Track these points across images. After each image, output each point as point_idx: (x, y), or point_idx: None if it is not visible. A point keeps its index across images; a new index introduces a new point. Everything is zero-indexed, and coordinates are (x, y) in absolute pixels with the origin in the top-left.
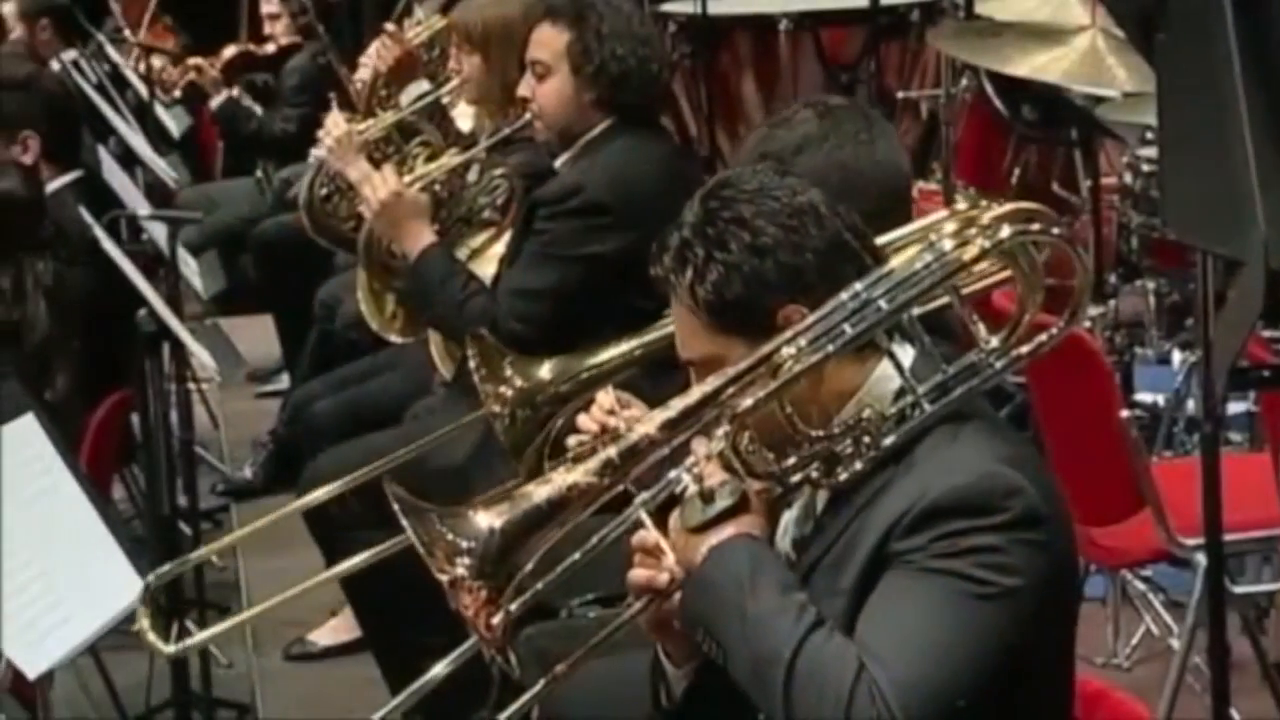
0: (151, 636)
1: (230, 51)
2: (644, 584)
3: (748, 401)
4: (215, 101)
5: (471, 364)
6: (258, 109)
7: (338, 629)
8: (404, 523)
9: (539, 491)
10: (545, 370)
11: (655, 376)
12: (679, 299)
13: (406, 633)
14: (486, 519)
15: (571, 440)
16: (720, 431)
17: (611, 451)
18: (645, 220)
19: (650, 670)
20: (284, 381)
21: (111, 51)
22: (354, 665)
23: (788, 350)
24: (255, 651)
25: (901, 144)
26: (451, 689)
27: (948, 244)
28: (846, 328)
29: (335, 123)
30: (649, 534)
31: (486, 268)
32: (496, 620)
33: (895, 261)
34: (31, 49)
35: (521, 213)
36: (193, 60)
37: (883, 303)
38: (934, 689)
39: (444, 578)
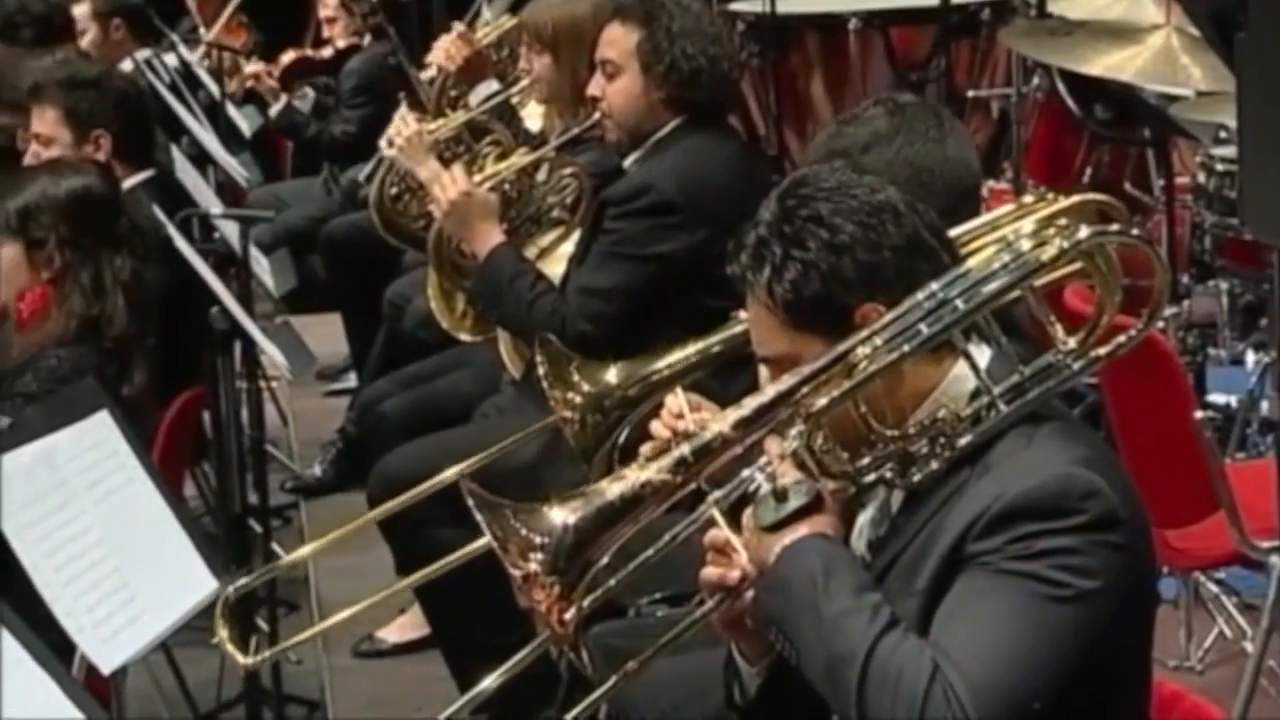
0: (230, 648)
1: (288, 58)
2: (716, 582)
3: (823, 401)
4: (274, 109)
5: (540, 371)
6: (308, 97)
7: (406, 626)
8: (478, 518)
9: (612, 488)
10: (612, 375)
11: (725, 375)
12: (755, 297)
13: (474, 630)
14: (561, 515)
15: (645, 448)
16: (794, 430)
17: (685, 449)
18: (714, 219)
19: (724, 667)
20: (352, 380)
21: (183, 50)
22: (422, 663)
23: (863, 350)
24: (325, 649)
25: (971, 142)
26: (519, 687)
27: (1025, 244)
28: (923, 327)
29: (406, 122)
30: (720, 532)
31: (555, 267)
32: (569, 616)
33: (972, 261)
34: (103, 50)
35: (590, 212)
36: (250, 68)
37: (959, 302)
38: (1009, 691)
39: (517, 573)
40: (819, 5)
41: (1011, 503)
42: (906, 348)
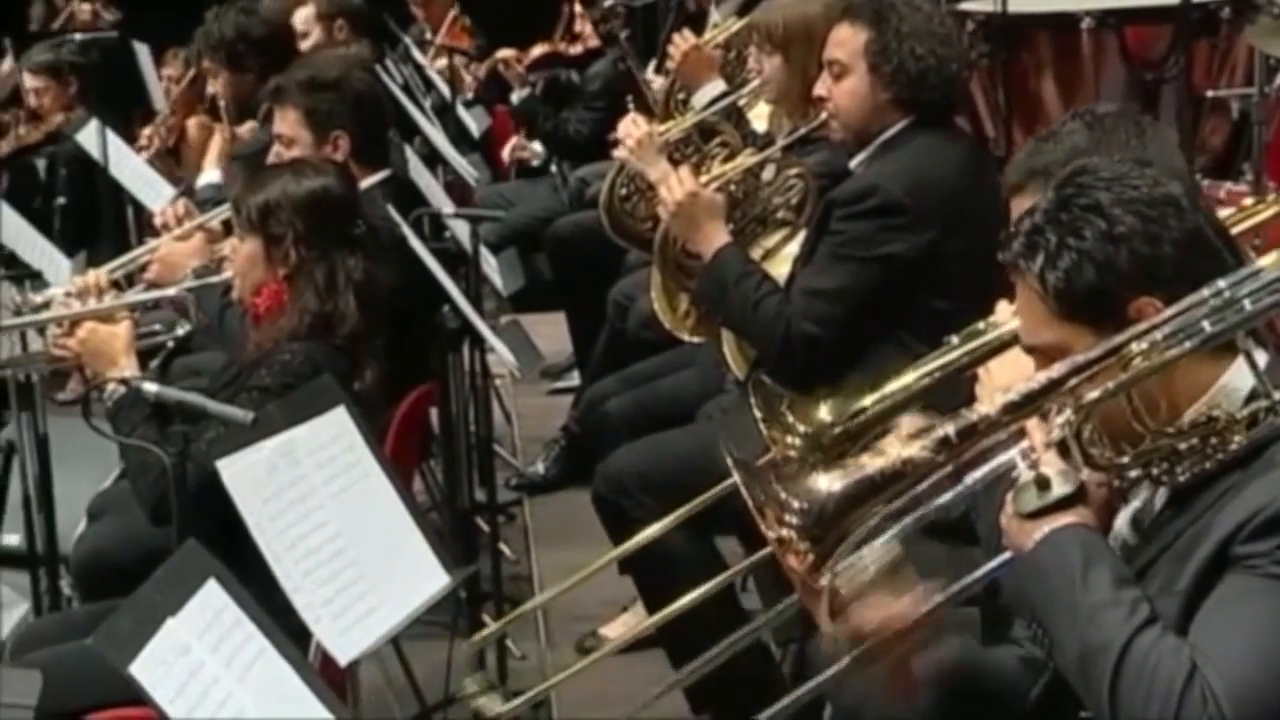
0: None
1: (539, 50)
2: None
3: (1095, 393)
4: (516, 96)
5: (756, 413)
6: (539, 84)
7: (630, 624)
8: (736, 478)
9: (874, 463)
10: (824, 411)
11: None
12: (1027, 284)
13: (697, 630)
14: (822, 482)
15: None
16: (1061, 419)
17: (950, 429)
18: (941, 221)
19: None
20: (575, 378)
21: (416, 53)
22: (645, 661)
23: (1139, 345)
24: (548, 645)
25: (1210, 143)
26: (741, 687)
27: None
28: (1206, 325)
29: (637, 124)
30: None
31: (780, 267)
32: (821, 584)
33: (1264, 260)
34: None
35: (817, 212)
36: (501, 53)
37: (1247, 303)
38: (1271, 697)
39: (771, 535)
40: (1051, 4)
41: None
42: (1188, 344)
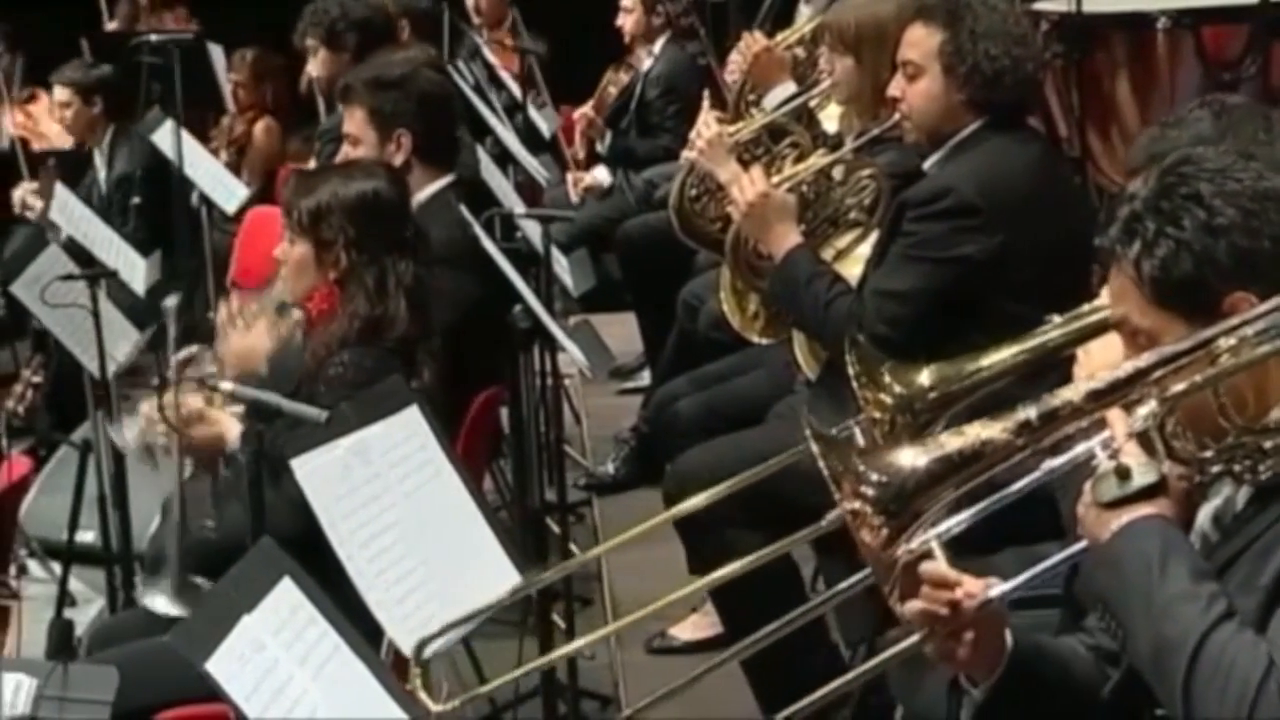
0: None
1: (611, 92)
2: (920, 615)
3: (1181, 385)
4: (601, 146)
5: (850, 371)
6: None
7: (699, 624)
8: (814, 448)
9: (952, 442)
10: (924, 377)
11: (1032, 381)
12: (1121, 271)
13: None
14: (907, 456)
15: None
16: (1145, 410)
17: (1031, 413)
18: (1015, 222)
19: (947, 691)
20: (645, 378)
21: (487, 53)
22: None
23: (1228, 340)
24: (618, 645)
25: None
26: (814, 690)
27: None
28: None
29: (707, 124)
30: (938, 566)
31: (852, 269)
32: (893, 560)
33: None
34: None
35: (889, 214)
36: (579, 114)
37: None
38: None
39: (846, 507)
40: (1126, 4)
41: None
42: (1278, 343)
